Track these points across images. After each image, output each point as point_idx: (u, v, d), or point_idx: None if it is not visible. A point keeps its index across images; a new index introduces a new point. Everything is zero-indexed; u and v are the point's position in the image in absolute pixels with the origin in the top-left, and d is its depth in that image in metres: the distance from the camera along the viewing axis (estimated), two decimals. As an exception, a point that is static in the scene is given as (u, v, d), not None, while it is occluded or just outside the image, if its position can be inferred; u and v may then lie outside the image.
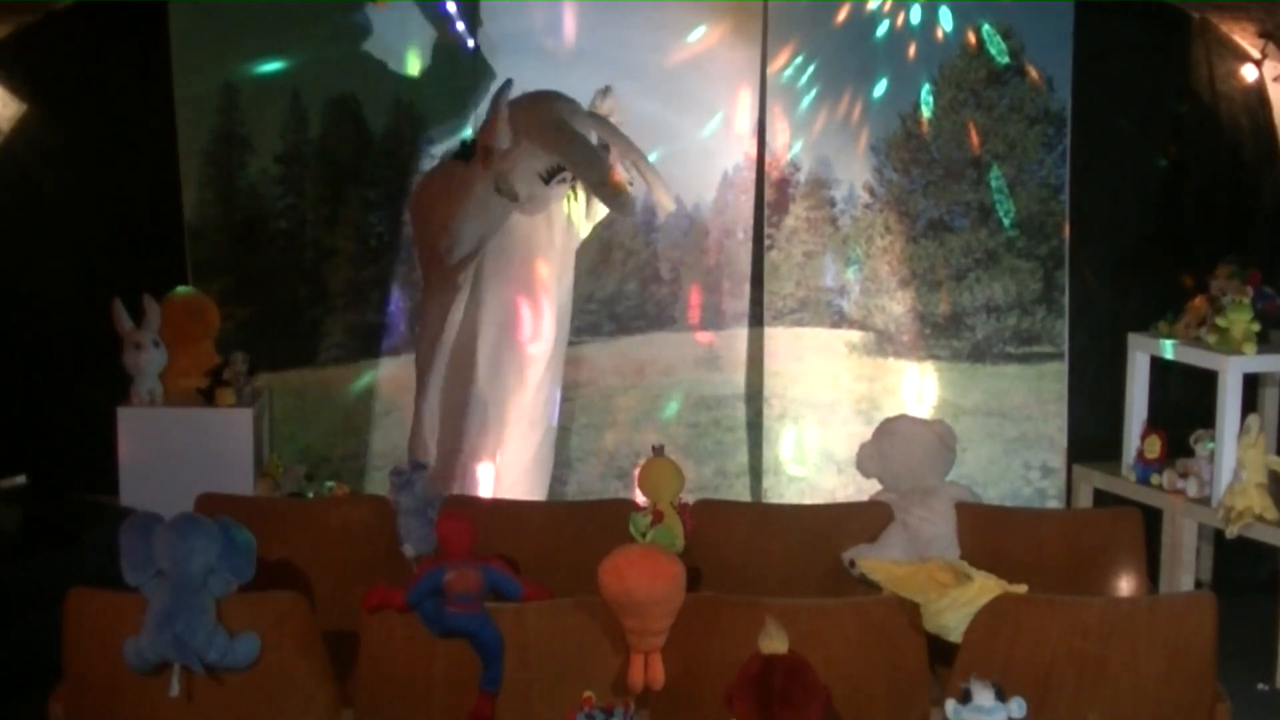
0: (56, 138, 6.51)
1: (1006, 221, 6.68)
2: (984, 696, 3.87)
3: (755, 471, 6.75)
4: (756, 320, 6.76)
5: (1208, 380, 6.13)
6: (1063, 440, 6.79)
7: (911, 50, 6.66)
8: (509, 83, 5.83)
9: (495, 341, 6.04)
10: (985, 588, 4.32)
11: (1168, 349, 6.28)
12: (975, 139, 6.70)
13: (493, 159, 5.81)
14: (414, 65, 6.55)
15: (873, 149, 6.68)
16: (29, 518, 5.96)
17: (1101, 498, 6.56)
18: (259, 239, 6.52)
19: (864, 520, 5.07)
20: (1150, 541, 5.11)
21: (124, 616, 4.13)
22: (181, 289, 6.31)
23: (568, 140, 5.78)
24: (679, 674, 4.18)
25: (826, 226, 6.72)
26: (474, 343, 6.01)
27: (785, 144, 6.64)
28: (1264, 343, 6.05)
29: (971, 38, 6.66)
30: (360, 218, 6.60)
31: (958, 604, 4.28)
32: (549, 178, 5.89)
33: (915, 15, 6.64)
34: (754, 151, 6.69)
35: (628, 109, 6.20)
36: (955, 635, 4.26)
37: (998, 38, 6.67)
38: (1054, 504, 6.73)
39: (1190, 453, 6.19)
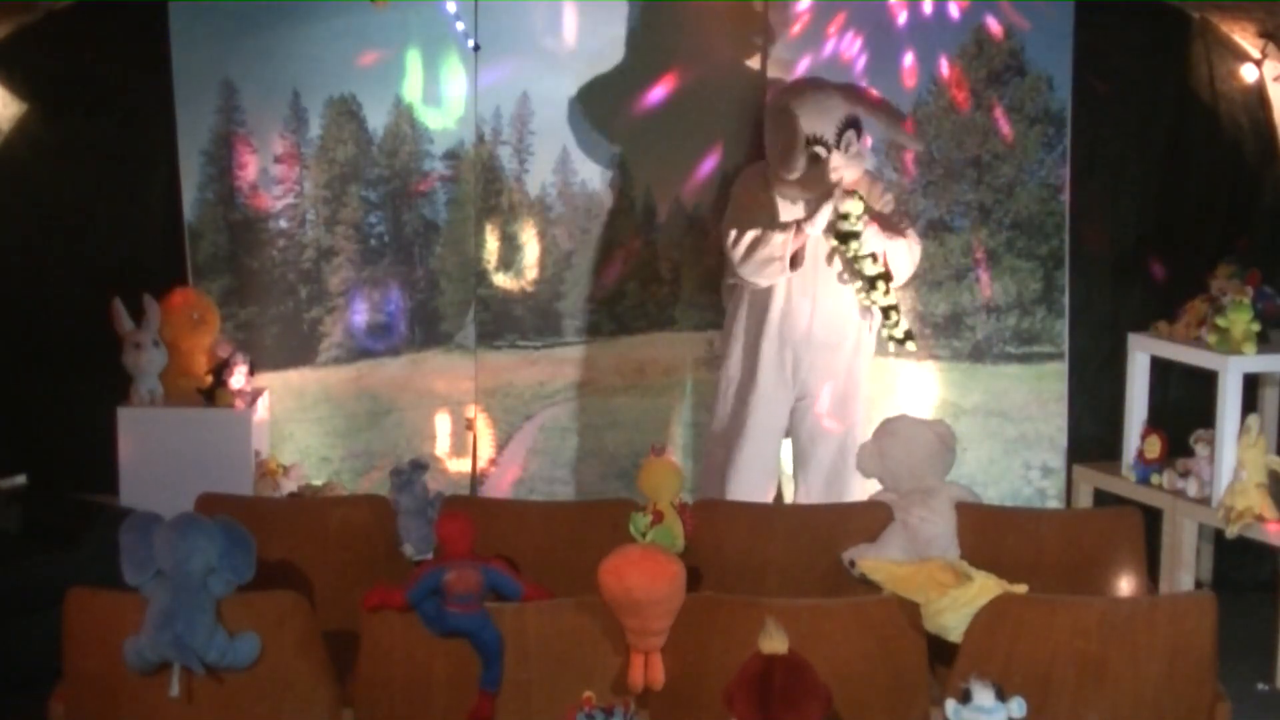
0: (56, 138, 6.50)
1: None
2: (984, 696, 3.87)
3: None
4: (757, 320, 6.75)
5: (1208, 380, 6.13)
6: (1063, 440, 6.79)
7: (911, 50, 6.66)
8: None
9: None
10: (985, 588, 4.32)
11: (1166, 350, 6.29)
12: (975, 139, 6.70)
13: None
14: (414, 65, 6.55)
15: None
16: (29, 518, 5.95)
17: (1101, 498, 6.56)
18: (259, 239, 6.52)
19: (864, 520, 5.07)
20: (1150, 541, 5.11)
21: (124, 616, 4.13)
22: (181, 289, 6.31)
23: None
24: (679, 674, 4.18)
25: (827, 226, 6.72)
26: None
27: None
28: (1264, 343, 6.05)
29: (972, 37, 6.66)
30: (360, 218, 6.60)
31: (958, 604, 4.28)
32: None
33: (916, 15, 6.63)
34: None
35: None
36: (955, 635, 4.27)
37: (998, 38, 6.67)
38: (1054, 504, 6.73)
39: (1190, 453, 6.19)
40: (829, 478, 6.25)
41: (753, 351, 6.23)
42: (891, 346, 6.18)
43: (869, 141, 6.31)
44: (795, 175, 6.04)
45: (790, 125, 6.04)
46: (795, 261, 6.05)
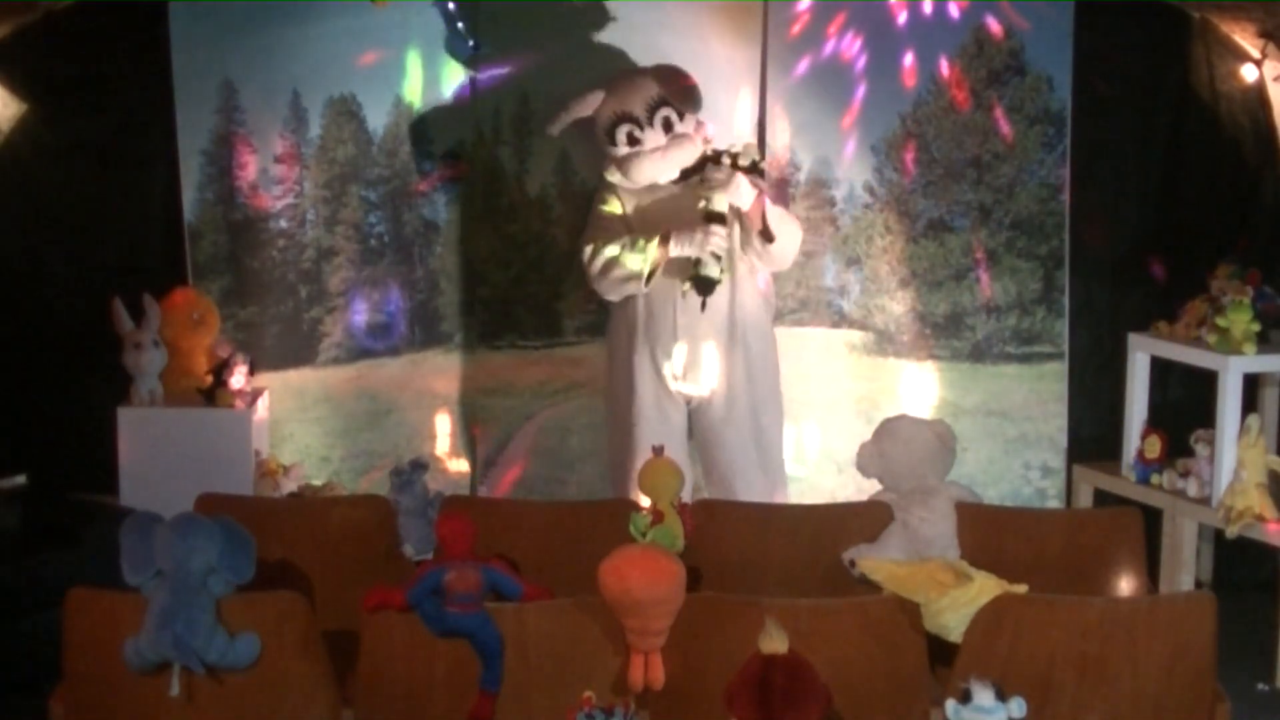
0: (56, 138, 6.50)
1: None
2: (984, 696, 3.87)
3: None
4: (756, 320, 6.74)
5: (1208, 380, 6.13)
6: (1063, 440, 6.79)
7: (911, 50, 6.66)
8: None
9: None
10: (985, 588, 4.33)
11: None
12: (976, 139, 6.70)
13: None
14: (414, 65, 6.55)
15: (872, 149, 6.68)
16: (29, 518, 5.96)
17: (1101, 498, 6.56)
18: (259, 239, 6.52)
19: (864, 520, 5.07)
20: (1150, 541, 5.11)
21: (124, 616, 4.13)
22: (181, 289, 6.31)
23: None
24: (679, 674, 4.18)
25: (826, 226, 6.72)
26: None
27: (786, 144, 6.64)
28: (1264, 343, 6.05)
29: (972, 37, 6.67)
30: (360, 218, 6.61)
31: (958, 604, 4.28)
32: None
33: (916, 15, 6.64)
34: (753, 151, 6.68)
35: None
36: (955, 635, 4.27)
37: (998, 38, 6.67)
38: (1054, 504, 6.73)
39: (1190, 453, 6.19)
40: (728, 482, 6.15)
41: (626, 362, 6.12)
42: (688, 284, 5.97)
43: (698, 122, 6.15)
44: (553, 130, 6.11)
45: (592, 103, 6.06)
46: (652, 276, 5.94)
